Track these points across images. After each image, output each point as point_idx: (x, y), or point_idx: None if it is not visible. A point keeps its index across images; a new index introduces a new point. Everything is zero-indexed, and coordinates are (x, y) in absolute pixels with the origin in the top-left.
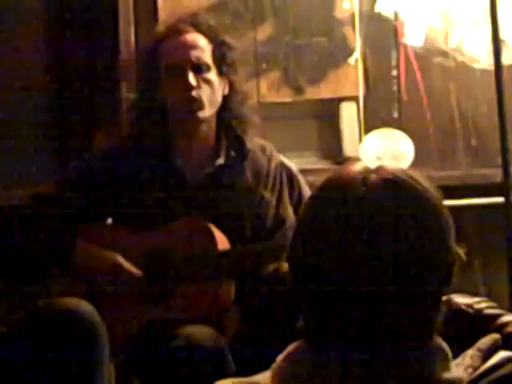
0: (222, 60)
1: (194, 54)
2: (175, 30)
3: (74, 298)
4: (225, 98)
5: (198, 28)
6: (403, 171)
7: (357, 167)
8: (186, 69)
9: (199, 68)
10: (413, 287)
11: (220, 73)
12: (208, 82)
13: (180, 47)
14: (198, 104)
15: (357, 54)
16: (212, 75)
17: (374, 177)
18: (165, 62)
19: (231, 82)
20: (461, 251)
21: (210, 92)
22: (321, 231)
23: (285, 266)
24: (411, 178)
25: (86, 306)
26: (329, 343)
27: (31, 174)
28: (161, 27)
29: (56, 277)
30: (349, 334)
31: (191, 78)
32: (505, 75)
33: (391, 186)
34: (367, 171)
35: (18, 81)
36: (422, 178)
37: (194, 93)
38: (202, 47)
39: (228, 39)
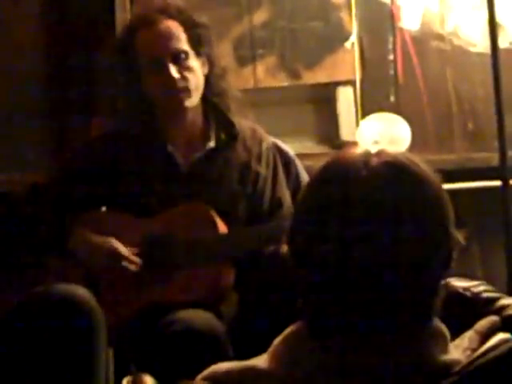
0: (198, 42)
1: (171, 44)
2: (146, 21)
3: (71, 284)
4: (205, 76)
5: (168, 14)
6: (404, 155)
7: (357, 151)
8: (166, 61)
9: (178, 57)
10: (413, 271)
11: (198, 54)
12: (189, 69)
13: (155, 40)
14: (183, 95)
15: (353, 38)
16: (192, 61)
17: (375, 160)
18: (143, 57)
19: (209, 58)
20: (459, 235)
21: (194, 79)
22: (321, 213)
23: (284, 248)
24: (412, 162)
25: (83, 292)
26: (327, 326)
27: (29, 159)
28: (133, 17)
29: (53, 263)
30: (348, 316)
31: (173, 71)
32: (501, 58)
33: (392, 169)
34: (368, 155)
35: (16, 67)
36: (421, 163)
37: (178, 84)
38: (177, 35)
39: (199, 18)
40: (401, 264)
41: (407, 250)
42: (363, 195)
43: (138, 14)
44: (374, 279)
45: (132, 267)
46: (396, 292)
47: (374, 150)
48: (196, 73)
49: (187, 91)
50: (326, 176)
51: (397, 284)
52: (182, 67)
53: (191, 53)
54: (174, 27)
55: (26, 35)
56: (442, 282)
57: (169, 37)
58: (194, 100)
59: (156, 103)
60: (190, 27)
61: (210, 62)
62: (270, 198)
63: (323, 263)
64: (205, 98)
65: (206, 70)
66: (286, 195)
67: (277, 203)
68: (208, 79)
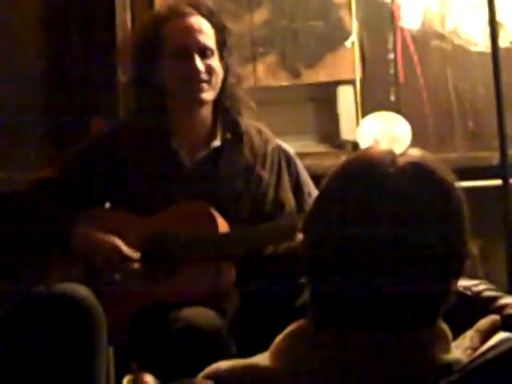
0: (223, 45)
1: (202, 38)
2: (178, 12)
3: (72, 283)
4: (222, 82)
5: (201, 11)
6: (427, 157)
7: (382, 149)
8: (193, 53)
9: (205, 53)
10: (426, 276)
11: (221, 57)
12: (212, 67)
13: (186, 30)
14: (205, 86)
15: (353, 38)
16: (215, 61)
17: (402, 159)
18: (170, 45)
19: (227, 64)
20: (473, 246)
21: (213, 77)
22: (343, 206)
23: (283, 247)
24: (437, 166)
25: (83, 291)
26: (333, 320)
27: (29, 158)
28: (162, 9)
29: (54, 261)
30: (354, 312)
31: (199, 63)
32: (502, 57)
33: (420, 171)
34: (394, 154)
35: (15, 65)
36: (443, 165)
37: (201, 77)
38: (208, 32)
39: (227, 24)
40: (416, 267)
41: (424, 254)
42: (389, 192)
43: (169, 6)
44: (386, 278)
45: (133, 265)
46: (405, 294)
47: (395, 148)
48: (217, 73)
49: (208, 84)
50: (350, 171)
51: (408, 286)
52: (207, 64)
53: (216, 53)
54: (205, 24)
55: (25, 33)
56: (454, 289)
57: (200, 31)
58: (210, 95)
59: (172, 94)
60: (219, 30)
61: (228, 68)
62: (273, 200)
63: (338, 256)
64: (217, 101)
65: (222, 75)
66: (289, 198)
67: (279, 205)
68: (223, 84)
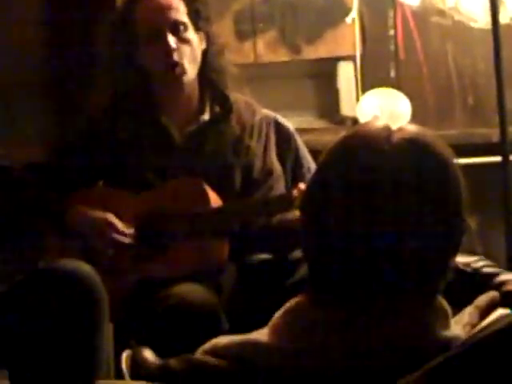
0: (197, 16)
1: (171, 15)
2: None
3: (73, 259)
4: (203, 53)
5: None
6: (424, 132)
7: (378, 125)
8: (165, 31)
9: (177, 29)
10: (424, 251)
11: (197, 29)
12: (187, 41)
13: (156, 10)
14: (180, 68)
15: (354, 14)
16: (190, 33)
17: (397, 135)
18: (142, 26)
19: (207, 35)
20: (470, 221)
21: (190, 51)
22: (340, 181)
23: (276, 219)
24: (434, 141)
25: (86, 268)
26: (332, 294)
27: (28, 133)
28: None
29: (51, 242)
30: (353, 286)
31: (171, 41)
32: (502, 34)
33: (415, 146)
34: (389, 130)
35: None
36: (440, 140)
37: (175, 56)
38: (177, 7)
39: None
40: (413, 242)
41: (421, 230)
42: (384, 170)
43: None
44: (384, 252)
45: (125, 240)
46: (404, 269)
47: (393, 125)
48: (193, 46)
49: (182, 66)
50: (345, 148)
51: (406, 260)
52: (180, 39)
53: (190, 26)
54: (175, 0)
55: (25, 8)
56: (451, 264)
57: (169, 7)
58: (189, 76)
59: (152, 75)
60: (190, 1)
61: (208, 39)
62: (261, 168)
63: (335, 232)
64: (202, 74)
65: (203, 46)
66: (275, 164)
67: (267, 173)
68: (206, 55)
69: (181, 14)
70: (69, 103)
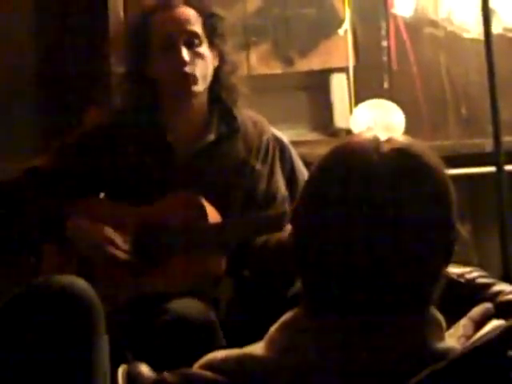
0: (212, 32)
1: (187, 27)
2: (165, 4)
3: (70, 275)
4: (215, 70)
5: (188, 1)
6: (413, 143)
7: (367, 136)
8: (179, 43)
9: (192, 42)
10: (415, 259)
11: (211, 45)
12: (201, 56)
13: (172, 21)
14: (192, 79)
15: (346, 25)
16: (204, 48)
17: (386, 146)
18: (156, 37)
19: (221, 52)
20: (462, 229)
21: (203, 66)
22: (328, 194)
23: (274, 238)
24: (423, 152)
25: (81, 283)
26: (326, 311)
27: (21, 149)
28: (149, 1)
29: (47, 251)
30: (348, 297)
31: (185, 54)
32: (494, 44)
33: (403, 156)
34: (379, 140)
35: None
36: (429, 151)
37: (187, 68)
38: (194, 20)
39: (217, 10)
40: (405, 251)
41: (412, 239)
42: (373, 180)
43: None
44: (376, 262)
45: (122, 255)
46: (397, 277)
47: (383, 136)
48: (206, 61)
49: (194, 77)
50: (334, 160)
51: (399, 269)
52: (194, 53)
53: (205, 40)
54: (192, 13)
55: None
56: (443, 273)
57: (185, 20)
58: (200, 87)
59: (163, 87)
60: (207, 16)
61: (222, 56)
62: (265, 192)
63: (324, 244)
64: (211, 91)
65: (216, 63)
66: (280, 189)
67: (270, 198)
68: (218, 73)
69: (196, 27)
70: (63, 119)
